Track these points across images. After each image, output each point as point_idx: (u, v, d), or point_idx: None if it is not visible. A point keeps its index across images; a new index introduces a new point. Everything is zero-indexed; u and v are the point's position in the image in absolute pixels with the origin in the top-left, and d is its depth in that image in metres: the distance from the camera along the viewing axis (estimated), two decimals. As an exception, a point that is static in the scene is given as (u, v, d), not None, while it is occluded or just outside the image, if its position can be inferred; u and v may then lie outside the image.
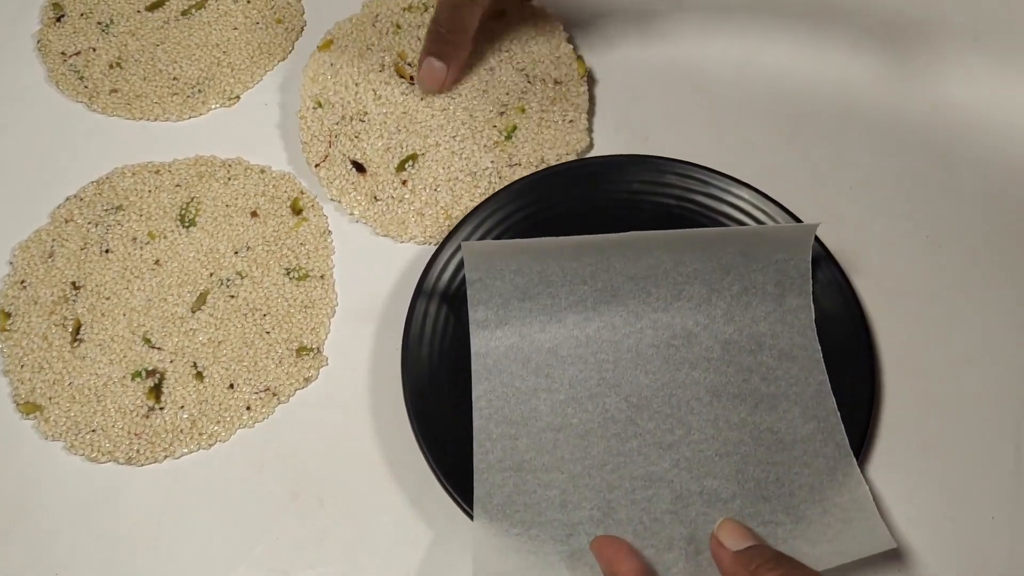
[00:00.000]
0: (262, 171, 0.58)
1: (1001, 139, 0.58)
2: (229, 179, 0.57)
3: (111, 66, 0.62)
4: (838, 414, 0.46)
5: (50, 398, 0.50)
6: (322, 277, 0.54)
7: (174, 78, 0.62)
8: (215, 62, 0.62)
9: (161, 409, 0.50)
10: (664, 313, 0.49)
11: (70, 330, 0.52)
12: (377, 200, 0.53)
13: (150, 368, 0.51)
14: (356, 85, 0.57)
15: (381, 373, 0.50)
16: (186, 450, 0.49)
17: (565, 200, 0.53)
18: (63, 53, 0.63)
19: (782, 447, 0.46)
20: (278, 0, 0.65)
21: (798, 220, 0.52)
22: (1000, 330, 0.51)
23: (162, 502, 0.48)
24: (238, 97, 0.61)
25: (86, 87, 0.61)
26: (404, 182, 0.53)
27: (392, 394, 0.48)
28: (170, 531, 0.47)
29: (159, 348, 0.52)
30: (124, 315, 0.53)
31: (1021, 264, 0.53)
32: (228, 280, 0.54)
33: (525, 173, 0.53)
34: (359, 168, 0.53)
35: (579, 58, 0.58)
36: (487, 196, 0.53)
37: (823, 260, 0.50)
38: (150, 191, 0.57)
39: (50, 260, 0.55)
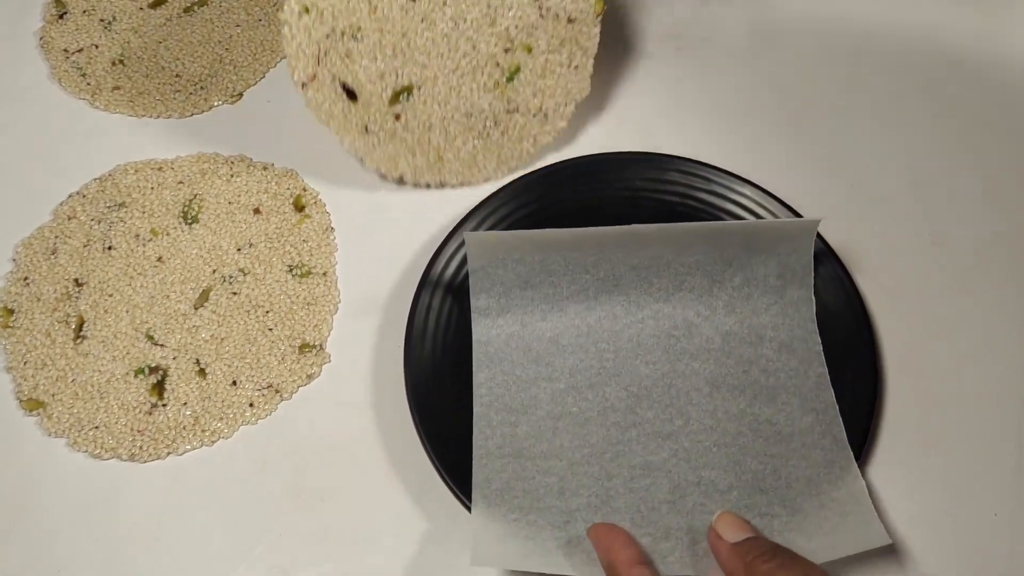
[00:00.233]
0: (265, 168, 0.58)
1: (1002, 137, 0.58)
2: (232, 176, 0.57)
3: (114, 63, 0.62)
4: (836, 407, 0.47)
5: (53, 395, 0.50)
6: (324, 274, 0.54)
7: (177, 75, 0.62)
8: (217, 59, 0.62)
9: (164, 406, 0.50)
10: (665, 304, 0.49)
11: (73, 327, 0.52)
12: (368, 132, 0.51)
13: (153, 365, 0.51)
14: None
15: (383, 370, 0.50)
16: (189, 447, 0.49)
17: (567, 197, 0.53)
18: (66, 50, 0.63)
19: (780, 439, 0.46)
20: (280, -3, 0.65)
21: (800, 217, 0.52)
22: (1002, 328, 0.51)
23: (165, 498, 0.48)
24: (240, 94, 0.61)
25: (89, 84, 0.62)
26: (397, 116, 0.51)
27: (395, 391, 0.48)
28: (173, 527, 0.47)
29: (162, 345, 0.52)
30: (127, 312, 0.53)
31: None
32: (231, 277, 0.54)
33: (522, 121, 0.53)
34: (350, 94, 0.50)
35: None
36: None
37: (826, 257, 0.50)
38: (153, 188, 0.57)
39: (53, 257, 0.55)
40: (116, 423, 0.49)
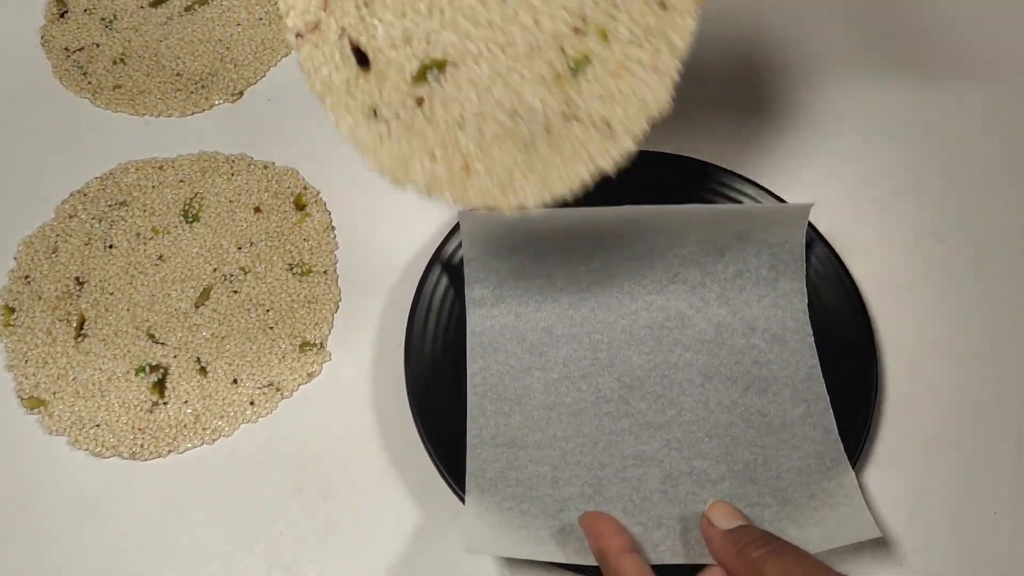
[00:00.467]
0: (265, 167, 0.58)
1: (1003, 133, 0.58)
2: (232, 175, 0.57)
3: (115, 62, 0.62)
4: (828, 399, 0.47)
5: (54, 393, 0.50)
6: (325, 272, 0.54)
7: (177, 74, 0.62)
8: (218, 58, 0.62)
9: (165, 404, 0.50)
10: (659, 295, 0.50)
11: (74, 325, 0.52)
12: (376, 117, 0.37)
13: (154, 363, 0.51)
14: None
15: (384, 368, 0.50)
16: (190, 445, 0.49)
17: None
18: (67, 49, 0.63)
19: (771, 430, 0.46)
20: (281, -4, 0.65)
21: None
22: (1003, 324, 0.51)
23: (166, 497, 0.48)
24: (241, 93, 0.61)
25: (90, 83, 0.62)
26: (419, 101, 0.37)
27: (395, 389, 0.48)
28: (173, 526, 0.47)
29: (163, 343, 0.52)
30: (128, 310, 0.53)
31: (1024, 260, 0.53)
32: (231, 275, 0.54)
33: (580, 133, 0.39)
34: (361, 58, 0.37)
35: None
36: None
37: (825, 254, 0.50)
38: (154, 187, 0.57)
39: (54, 255, 0.55)
40: (117, 421, 0.50)
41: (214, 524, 0.47)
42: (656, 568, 0.40)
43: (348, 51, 0.36)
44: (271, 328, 0.52)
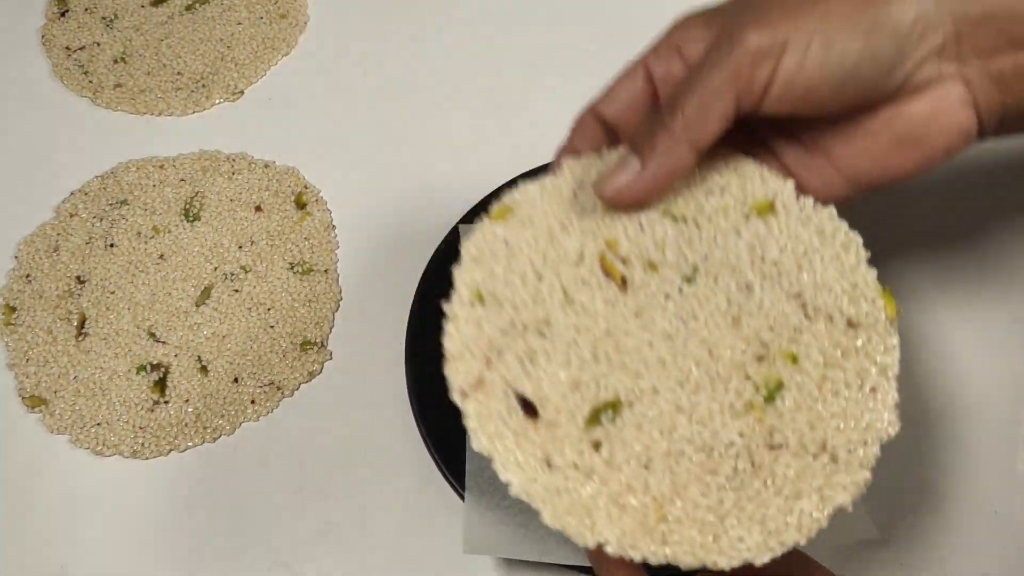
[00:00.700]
0: (266, 166, 0.58)
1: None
2: (233, 174, 0.57)
3: (115, 61, 0.62)
4: None
5: (55, 392, 0.51)
6: (326, 271, 0.54)
7: (178, 73, 0.62)
8: (219, 57, 0.62)
9: (166, 403, 0.50)
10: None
11: (75, 324, 0.52)
12: (552, 467, 0.34)
13: (155, 362, 0.51)
14: (539, 279, 0.37)
15: (385, 367, 0.50)
16: (191, 444, 0.49)
17: None
18: (67, 48, 0.63)
19: None
20: (282, -5, 0.65)
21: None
22: (1002, 321, 0.51)
23: (167, 496, 0.48)
24: (242, 92, 0.61)
25: (90, 82, 0.62)
26: (597, 444, 0.35)
27: (396, 388, 0.48)
28: (174, 524, 0.47)
29: (164, 342, 0.52)
30: (129, 309, 0.53)
31: (1025, 259, 0.53)
32: (232, 274, 0.54)
33: (795, 465, 0.35)
34: (528, 408, 0.35)
35: (885, 290, 0.37)
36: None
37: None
38: (154, 186, 0.57)
39: (55, 254, 0.55)
40: (118, 420, 0.50)
41: (215, 523, 0.47)
42: (654, 570, 0.40)
43: (515, 403, 0.35)
44: (272, 327, 0.52)
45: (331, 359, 0.52)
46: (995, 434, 0.48)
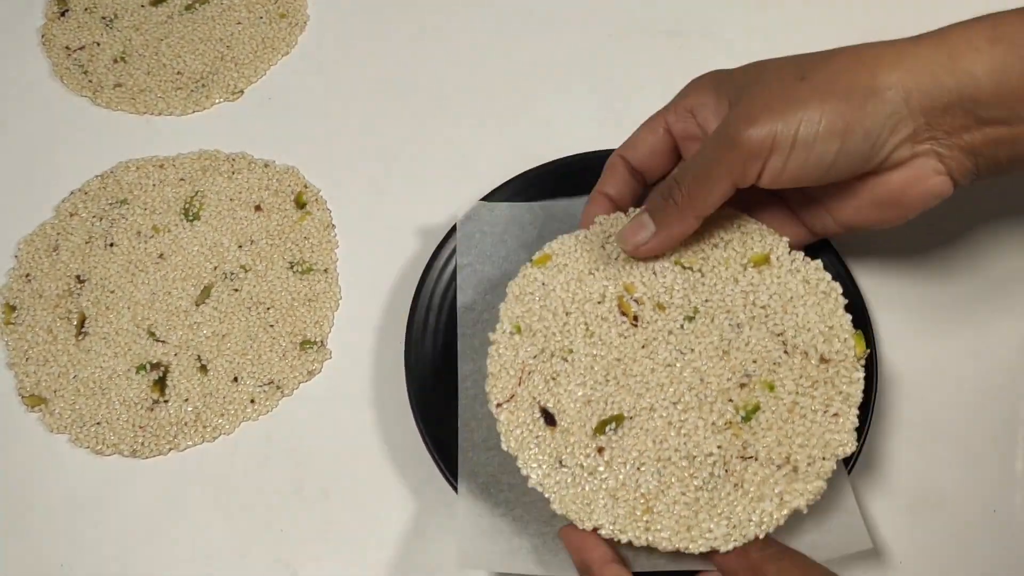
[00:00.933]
0: (266, 165, 0.58)
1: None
2: (233, 173, 0.57)
3: (115, 60, 0.62)
4: None
5: (55, 391, 0.51)
6: (325, 271, 0.54)
7: (178, 72, 0.62)
8: (219, 57, 0.62)
9: (165, 402, 0.50)
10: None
11: (75, 323, 0.52)
12: (562, 466, 0.42)
13: (154, 361, 0.51)
14: (567, 315, 0.45)
15: (384, 366, 0.50)
16: (190, 443, 0.49)
17: (577, 193, 0.53)
18: (67, 47, 0.63)
19: None
20: (282, -5, 0.65)
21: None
22: (1001, 331, 0.51)
23: (166, 495, 0.48)
24: (242, 91, 0.61)
25: (90, 81, 0.62)
26: (600, 449, 0.42)
27: (395, 387, 0.48)
28: (174, 524, 0.47)
29: (163, 341, 0.52)
30: (128, 308, 0.53)
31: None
32: (232, 274, 0.54)
33: (762, 473, 0.41)
34: (548, 419, 0.43)
35: (857, 333, 0.44)
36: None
37: (824, 250, 0.50)
38: (154, 185, 0.57)
39: (55, 254, 0.55)
40: (118, 419, 0.50)
41: (215, 522, 0.47)
42: None
43: (538, 415, 0.43)
44: (272, 326, 0.52)
45: (331, 358, 0.52)
46: (995, 434, 0.48)
